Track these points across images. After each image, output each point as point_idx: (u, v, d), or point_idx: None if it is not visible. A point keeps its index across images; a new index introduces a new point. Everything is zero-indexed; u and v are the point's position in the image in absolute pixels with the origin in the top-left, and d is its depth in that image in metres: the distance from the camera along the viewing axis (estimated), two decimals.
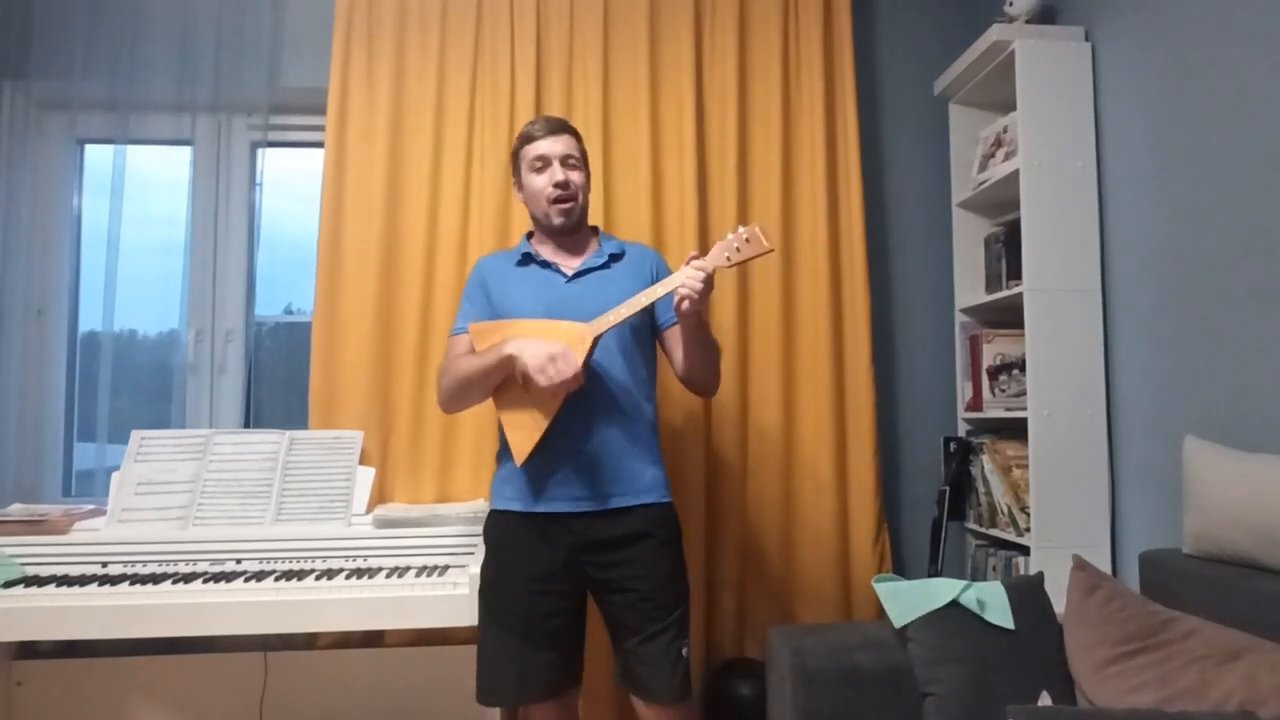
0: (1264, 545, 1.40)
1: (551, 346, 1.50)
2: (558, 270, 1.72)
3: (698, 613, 2.16)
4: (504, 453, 1.68)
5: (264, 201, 2.52)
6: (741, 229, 1.52)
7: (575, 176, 1.71)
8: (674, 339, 1.71)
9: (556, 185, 1.68)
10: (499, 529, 1.67)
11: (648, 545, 1.61)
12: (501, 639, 1.60)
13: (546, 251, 1.75)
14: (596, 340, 1.56)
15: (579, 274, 1.71)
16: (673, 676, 1.57)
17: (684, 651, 1.61)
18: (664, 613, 1.59)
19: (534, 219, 1.77)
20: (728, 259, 1.52)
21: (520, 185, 1.76)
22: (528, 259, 1.74)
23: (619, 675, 1.65)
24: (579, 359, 1.51)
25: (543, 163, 1.70)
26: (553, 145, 1.70)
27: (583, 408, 1.59)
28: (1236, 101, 1.69)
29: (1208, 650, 1.31)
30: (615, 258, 1.74)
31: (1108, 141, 2.09)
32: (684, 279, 1.50)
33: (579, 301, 1.65)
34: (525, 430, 1.58)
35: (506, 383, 1.60)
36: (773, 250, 1.53)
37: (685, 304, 1.51)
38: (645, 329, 1.72)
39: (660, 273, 1.74)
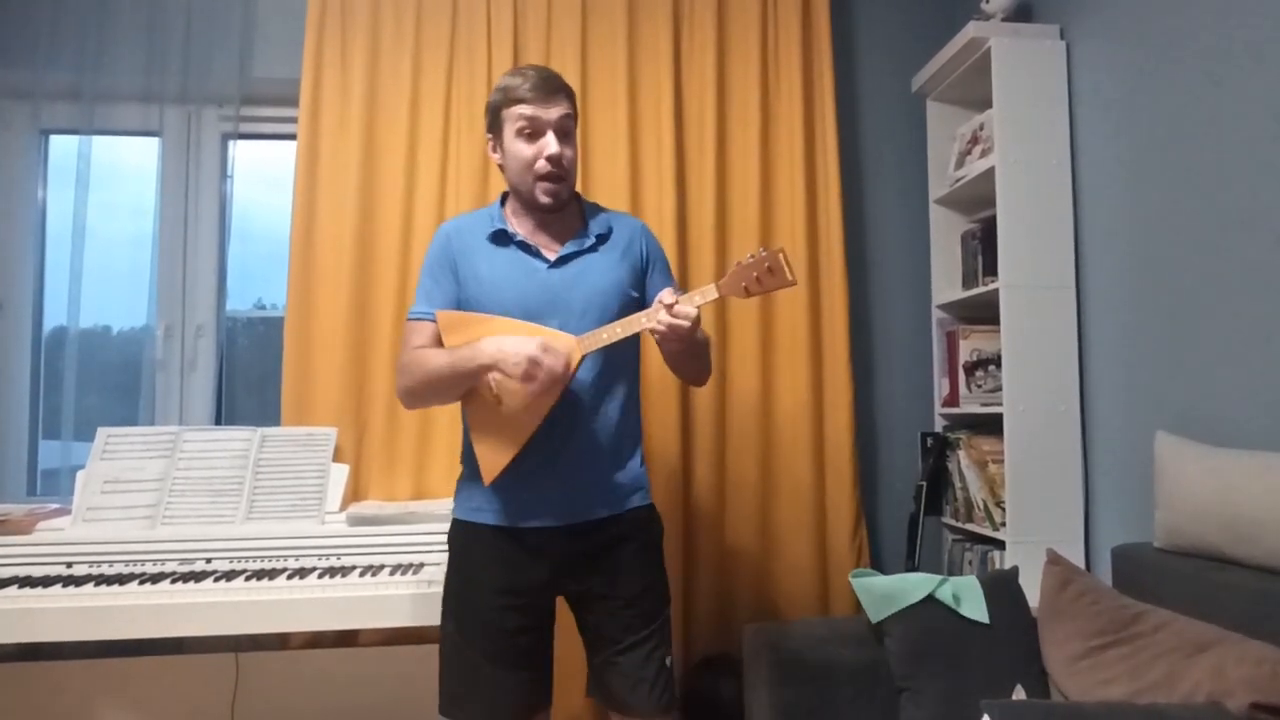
0: (1232, 539, 1.42)
1: (529, 345, 1.32)
2: (538, 254, 1.49)
3: (675, 608, 2.13)
4: (471, 457, 1.50)
5: (235, 194, 2.48)
6: (763, 252, 1.32)
7: (569, 152, 1.48)
8: None
9: (549, 159, 1.44)
10: (467, 540, 1.50)
11: (628, 550, 1.48)
12: (471, 659, 1.44)
13: (525, 229, 1.51)
14: (583, 358, 1.40)
15: (563, 259, 1.49)
16: (654, 689, 1.45)
17: (666, 662, 1.49)
18: (644, 621, 1.47)
19: (512, 188, 1.52)
20: (745, 289, 1.33)
21: (498, 147, 1.50)
22: (504, 237, 1.50)
23: (593, 690, 1.52)
24: (568, 364, 1.36)
25: (532, 129, 1.44)
26: (546, 110, 1.44)
27: (561, 417, 1.41)
28: (1210, 100, 1.71)
29: (1178, 643, 1.32)
30: (602, 239, 1.53)
31: (1082, 139, 2.11)
32: (679, 317, 1.33)
33: (563, 292, 1.46)
34: (497, 447, 1.42)
35: (478, 389, 1.43)
36: (795, 284, 1.35)
37: (673, 345, 1.38)
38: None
39: (650, 249, 1.60)
